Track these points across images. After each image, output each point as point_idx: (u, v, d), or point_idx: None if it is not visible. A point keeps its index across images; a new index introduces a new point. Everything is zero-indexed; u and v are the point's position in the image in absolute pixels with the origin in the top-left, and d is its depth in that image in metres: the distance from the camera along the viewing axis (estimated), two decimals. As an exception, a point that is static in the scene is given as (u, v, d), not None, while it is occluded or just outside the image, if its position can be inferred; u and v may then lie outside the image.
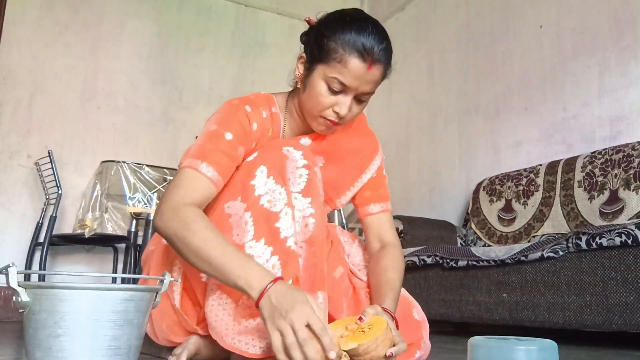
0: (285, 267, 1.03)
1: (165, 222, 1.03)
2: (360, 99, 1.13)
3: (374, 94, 1.15)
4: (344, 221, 3.28)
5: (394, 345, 0.96)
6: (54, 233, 3.01)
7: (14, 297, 0.86)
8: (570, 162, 2.54)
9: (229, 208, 1.08)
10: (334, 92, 1.11)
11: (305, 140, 1.24)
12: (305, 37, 1.19)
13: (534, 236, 2.58)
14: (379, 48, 1.09)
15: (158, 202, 1.08)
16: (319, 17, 1.18)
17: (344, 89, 1.11)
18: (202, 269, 1.00)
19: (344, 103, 1.11)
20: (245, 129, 1.14)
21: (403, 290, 1.25)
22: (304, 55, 1.17)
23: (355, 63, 1.08)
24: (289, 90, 1.28)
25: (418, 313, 1.18)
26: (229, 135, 1.11)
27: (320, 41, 1.12)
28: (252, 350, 1.02)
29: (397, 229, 2.91)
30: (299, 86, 1.19)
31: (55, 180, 3.02)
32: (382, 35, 1.11)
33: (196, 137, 1.18)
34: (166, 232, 1.03)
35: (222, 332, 1.05)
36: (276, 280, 0.92)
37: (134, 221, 3.01)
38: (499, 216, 2.84)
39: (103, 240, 3.15)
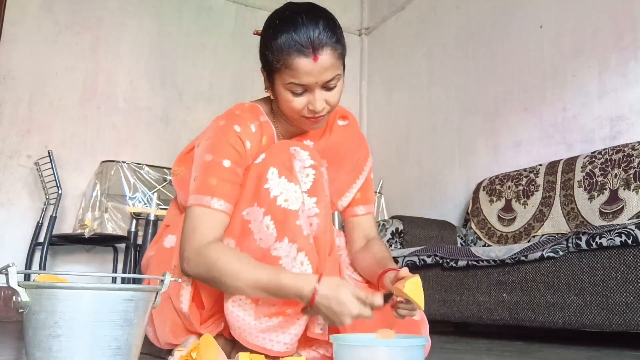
0: (313, 262, 1.07)
1: (193, 268, 1.07)
2: (328, 87, 1.12)
3: (341, 74, 1.13)
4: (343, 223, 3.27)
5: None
6: (54, 233, 3.00)
7: (14, 297, 0.86)
8: (570, 162, 2.54)
9: (248, 215, 1.09)
10: (299, 94, 1.11)
11: (308, 143, 1.26)
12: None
13: (534, 236, 2.58)
14: (315, 35, 1.06)
15: (181, 247, 1.12)
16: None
17: (306, 88, 1.10)
18: (247, 296, 1.06)
19: (314, 99, 1.11)
20: (239, 151, 1.13)
21: None
22: (263, 70, 1.17)
23: (300, 62, 1.06)
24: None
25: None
26: (227, 163, 1.11)
27: (264, 55, 1.12)
28: (276, 347, 1.06)
29: (397, 229, 2.92)
30: (272, 97, 1.20)
31: (55, 180, 3.02)
32: (314, 19, 1.08)
33: (194, 144, 1.19)
34: (198, 277, 1.09)
35: (245, 332, 1.07)
36: (316, 285, 0.99)
37: (134, 221, 3.01)
38: (499, 216, 2.83)
39: (103, 240, 3.15)
